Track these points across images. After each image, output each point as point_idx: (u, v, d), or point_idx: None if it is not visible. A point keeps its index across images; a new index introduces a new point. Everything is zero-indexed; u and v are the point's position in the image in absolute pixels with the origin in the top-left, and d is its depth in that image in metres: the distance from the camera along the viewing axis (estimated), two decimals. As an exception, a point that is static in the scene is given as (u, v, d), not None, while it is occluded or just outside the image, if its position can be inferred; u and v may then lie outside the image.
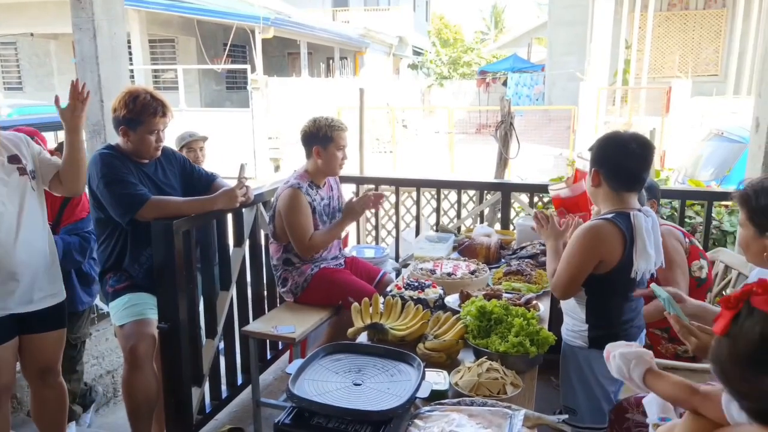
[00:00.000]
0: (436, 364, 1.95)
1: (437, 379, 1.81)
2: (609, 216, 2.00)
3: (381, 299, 2.36)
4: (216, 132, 11.26)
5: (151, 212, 2.45)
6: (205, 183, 2.80)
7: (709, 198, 3.45)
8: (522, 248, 3.08)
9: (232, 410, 3.11)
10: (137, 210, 2.44)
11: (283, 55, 19.49)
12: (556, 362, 2.26)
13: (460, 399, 1.68)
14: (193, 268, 2.63)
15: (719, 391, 1.16)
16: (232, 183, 2.73)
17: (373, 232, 4.29)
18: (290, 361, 3.40)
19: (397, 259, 3.88)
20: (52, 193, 2.40)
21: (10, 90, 15.89)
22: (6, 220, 2.13)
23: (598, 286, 2.04)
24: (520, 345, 1.92)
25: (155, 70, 15.19)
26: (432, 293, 2.45)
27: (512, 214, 3.96)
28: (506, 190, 3.81)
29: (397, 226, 4.19)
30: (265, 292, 3.35)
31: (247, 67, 13.57)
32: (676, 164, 7.27)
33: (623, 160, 2.02)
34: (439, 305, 2.41)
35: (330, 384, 1.64)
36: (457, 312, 2.24)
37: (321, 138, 2.98)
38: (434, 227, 3.93)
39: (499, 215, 3.90)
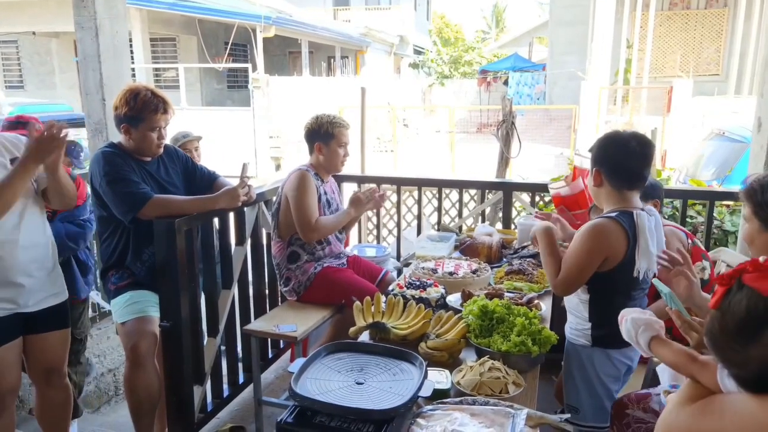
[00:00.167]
0: (438, 363, 1.95)
1: (439, 378, 1.81)
2: (612, 214, 2.01)
3: (383, 298, 2.36)
4: (217, 131, 11.36)
5: (153, 211, 2.45)
6: (207, 181, 2.80)
7: (711, 198, 3.46)
8: (523, 247, 3.08)
9: (234, 409, 3.11)
10: (140, 208, 2.43)
11: (284, 54, 19.51)
12: (559, 361, 2.25)
13: (463, 398, 1.68)
14: (195, 267, 2.63)
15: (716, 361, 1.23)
16: (233, 182, 2.73)
17: (375, 231, 4.29)
18: (292, 359, 3.40)
19: (398, 258, 3.88)
20: None
21: (12, 88, 15.89)
22: (9, 221, 2.13)
23: (601, 285, 2.05)
24: (522, 344, 1.92)
25: (156, 69, 15.19)
26: (434, 292, 2.45)
27: (514, 213, 3.96)
28: (508, 189, 3.81)
29: (398, 225, 4.18)
30: (267, 291, 3.35)
31: (249, 65, 13.61)
32: (678, 164, 7.26)
33: (624, 159, 2.03)
34: (441, 304, 2.41)
35: (332, 383, 1.64)
36: (459, 311, 2.24)
37: (323, 134, 3.00)
38: (436, 226, 3.93)
39: (500, 214, 3.90)
